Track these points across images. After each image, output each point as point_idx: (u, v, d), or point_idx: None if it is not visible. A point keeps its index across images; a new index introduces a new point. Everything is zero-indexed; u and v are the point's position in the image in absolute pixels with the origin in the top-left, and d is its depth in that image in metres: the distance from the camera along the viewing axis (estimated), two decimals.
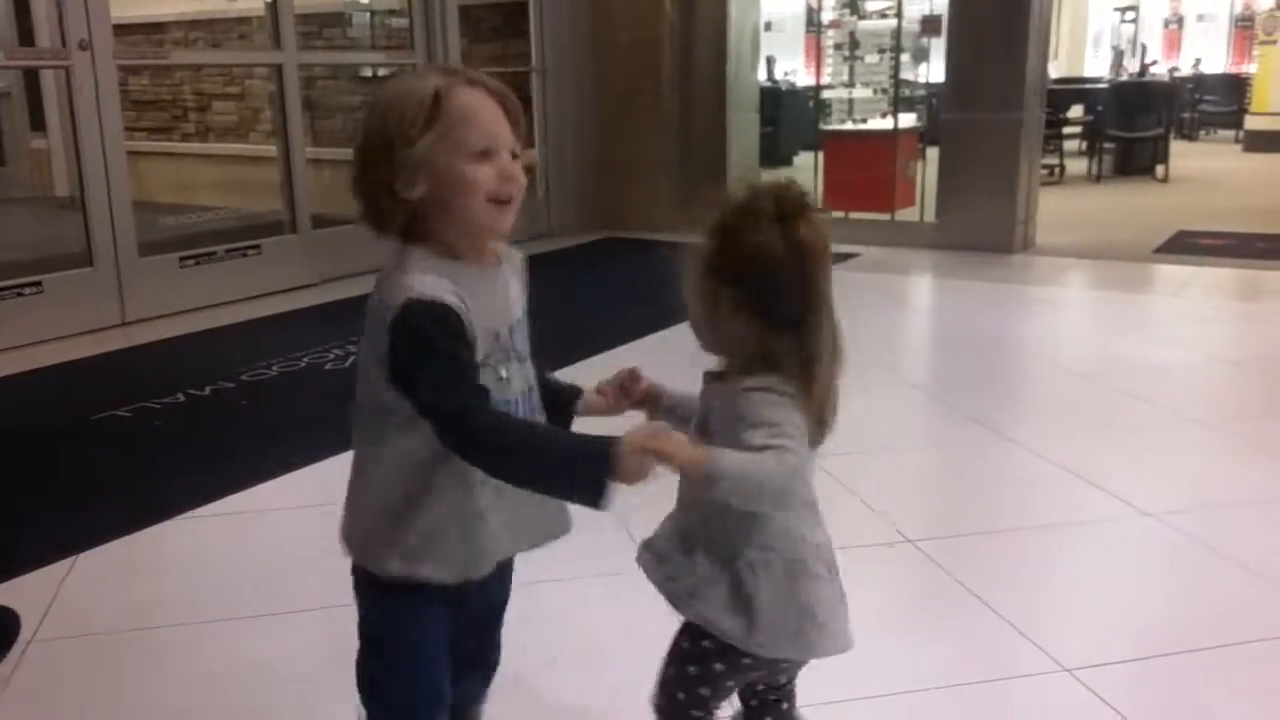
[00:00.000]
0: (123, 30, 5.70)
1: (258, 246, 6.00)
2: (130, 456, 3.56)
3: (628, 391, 1.59)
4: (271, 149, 6.57)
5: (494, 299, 1.46)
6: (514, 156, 1.43)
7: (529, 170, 1.49)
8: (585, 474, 1.30)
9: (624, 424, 1.42)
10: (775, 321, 1.39)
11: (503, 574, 1.60)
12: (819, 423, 1.44)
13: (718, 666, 1.51)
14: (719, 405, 1.45)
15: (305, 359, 4.57)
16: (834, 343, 1.42)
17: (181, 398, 4.07)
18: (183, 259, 5.64)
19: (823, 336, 1.41)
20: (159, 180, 9.15)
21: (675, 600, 1.49)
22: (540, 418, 1.53)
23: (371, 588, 1.51)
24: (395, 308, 1.35)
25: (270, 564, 2.76)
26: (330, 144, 8.32)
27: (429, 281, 1.36)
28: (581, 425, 1.57)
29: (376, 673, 1.53)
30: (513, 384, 1.46)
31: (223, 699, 2.17)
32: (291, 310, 5.60)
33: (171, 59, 6.05)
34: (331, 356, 4.60)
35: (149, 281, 5.41)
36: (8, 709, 2.13)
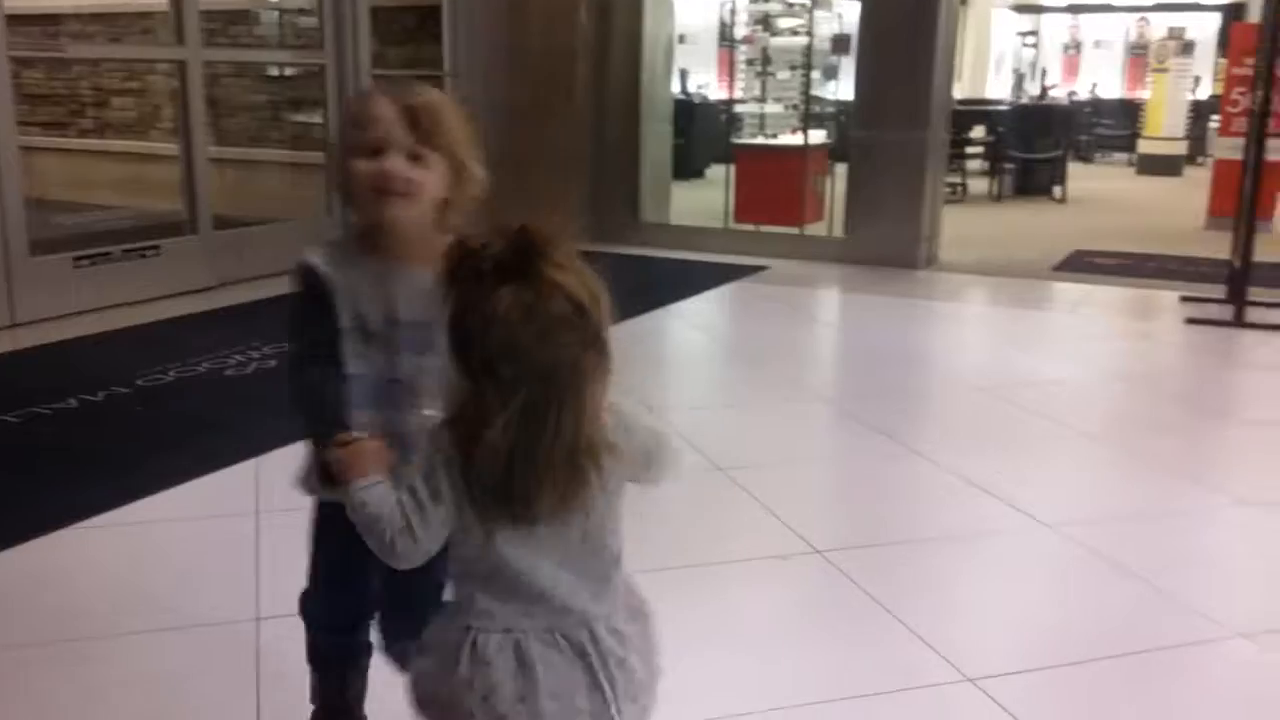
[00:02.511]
0: (16, 21, 5.49)
1: (156, 247, 5.82)
2: (18, 465, 3.41)
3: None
4: (172, 147, 6.40)
5: (378, 289, 1.62)
6: (415, 159, 1.58)
7: (466, 184, 1.64)
8: (313, 449, 1.64)
9: None
10: (457, 376, 1.29)
11: None
12: (502, 503, 1.29)
13: None
14: None
15: (204, 364, 4.45)
16: (523, 426, 1.25)
17: (74, 403, 3.93)
18: (77, 259, 5.44)
19: (493, 412, 1.25)
20: (53, 177, 8.84)
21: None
22: (397, 412, 1.64)
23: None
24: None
25: (169, 576, 2.67)
26: (233, 143, 8.14)
27: (320, 250, 1.66)
28: None
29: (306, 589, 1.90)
30: (372, 366, 1.64)
31: (122, 714, 2.09)
32: (191, 313, 5.44)
33: (68, 52, 5.84)
34: (232, 362, 4.48)
35: (40, 282, 5.20)
36: None
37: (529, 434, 1.26)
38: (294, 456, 3.68)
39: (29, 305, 5.14)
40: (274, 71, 8.26)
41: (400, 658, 1.82)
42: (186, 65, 5.92)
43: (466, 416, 1.28)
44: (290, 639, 2.34)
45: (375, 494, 1.37)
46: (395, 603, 1.83)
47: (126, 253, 5.68)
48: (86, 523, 2.94)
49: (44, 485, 3.23)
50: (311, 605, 1.92)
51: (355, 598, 1.85)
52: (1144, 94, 16.09)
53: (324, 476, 1.55)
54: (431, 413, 1.53)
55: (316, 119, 7.05)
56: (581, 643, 1.34)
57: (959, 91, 12.18)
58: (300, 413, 1.65)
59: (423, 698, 1.40)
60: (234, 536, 2.86)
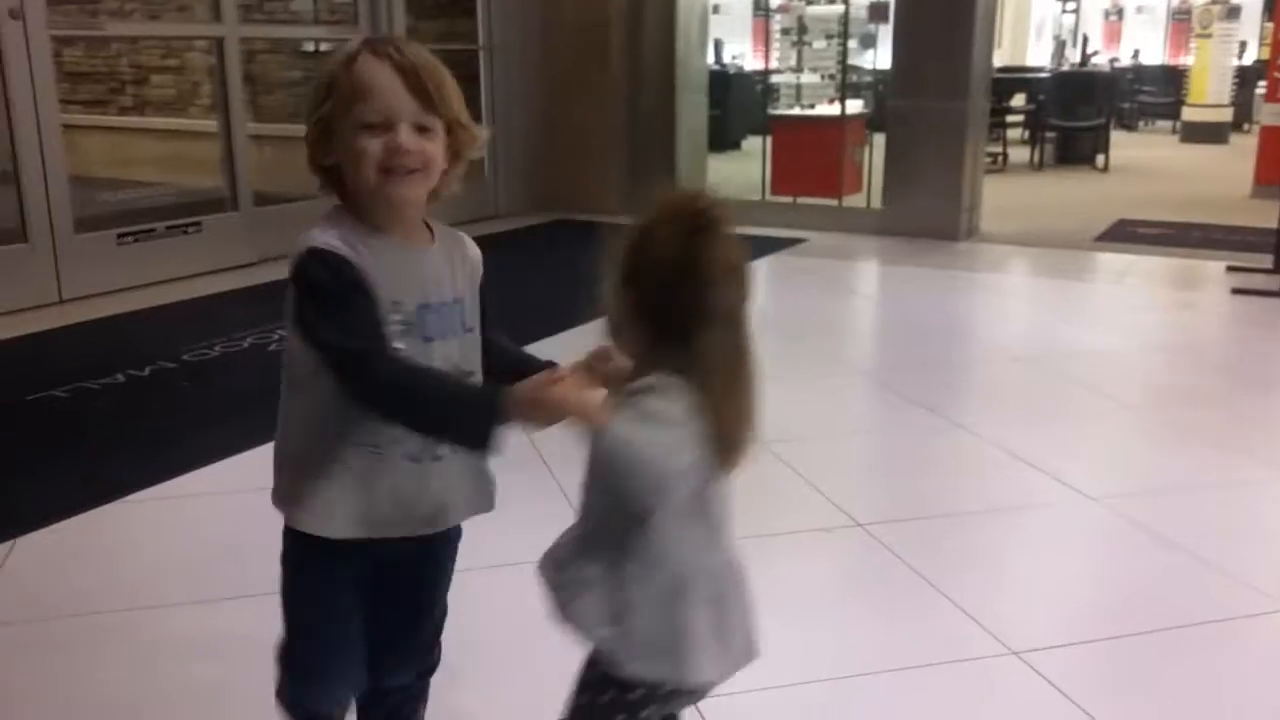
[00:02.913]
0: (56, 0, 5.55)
1: (198, 224, 5.89)
2: (69, 438, 3.47)
3: (594, 370, 1.49)
4: (211, 124, 6.44)
5: (404, 272, 1.45)
6: (422, 130, 1.41)
7: (467, 147, 1.48)
8: (471, 415, 1.34)
9: None
10: (662, 331, 1.34)
11: (429, 554, 1.60)
12: (720, 446, 1.36)
13: (630, 697, 1.42)
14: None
15: (248, 339, 4.49)
16: (733, 364, 1.37)
17: (121, 378, 3.99)
18: (121, 236, 5.51)
19: (713, 354, 1.34)
20: (95, 154, 8.93)
21: (559, 607, 1.40)
22: None
23: (287, 540, 1.60)
24: (295, 257, 1.40)
25: (214, 549, 2.71)
26: (271, 119, 8.17)
27: (329, 234, 1.41)
28: None
29: (286, 634, 1.62)
30: (410, 354, 1.44)
31: (170, 683, 2.13)
32: (233, 289, 5.50)
33: (107, 30, 5.88)
34: (275, 337, 4.52)
35: (86, 258, 5.28)
36: None
37: (743, 380, 1.41)
38: None
39: (75, 282, 5.22)
40: (309, 47, 8.27)
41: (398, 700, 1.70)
42: (224, 42, 5.96)
43: (663, 363, 1.34)
44: None
45: (625, 427, 1.30)
46: (389, 645, 1.65)
47: (169, 229, 5.74)
48: (135, 496, 2.99)
49: (93, 459, 3.28)
50: (306, 695, 1.66)
51: (357, 663, 1.63)
52: (1188, 60, 15.83)
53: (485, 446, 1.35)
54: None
55: None
56: (740, 574, 1.50)
57: (999, 59, 12.00)
58: (421, 407, 1.39)
59: (650, 649, 1.39)
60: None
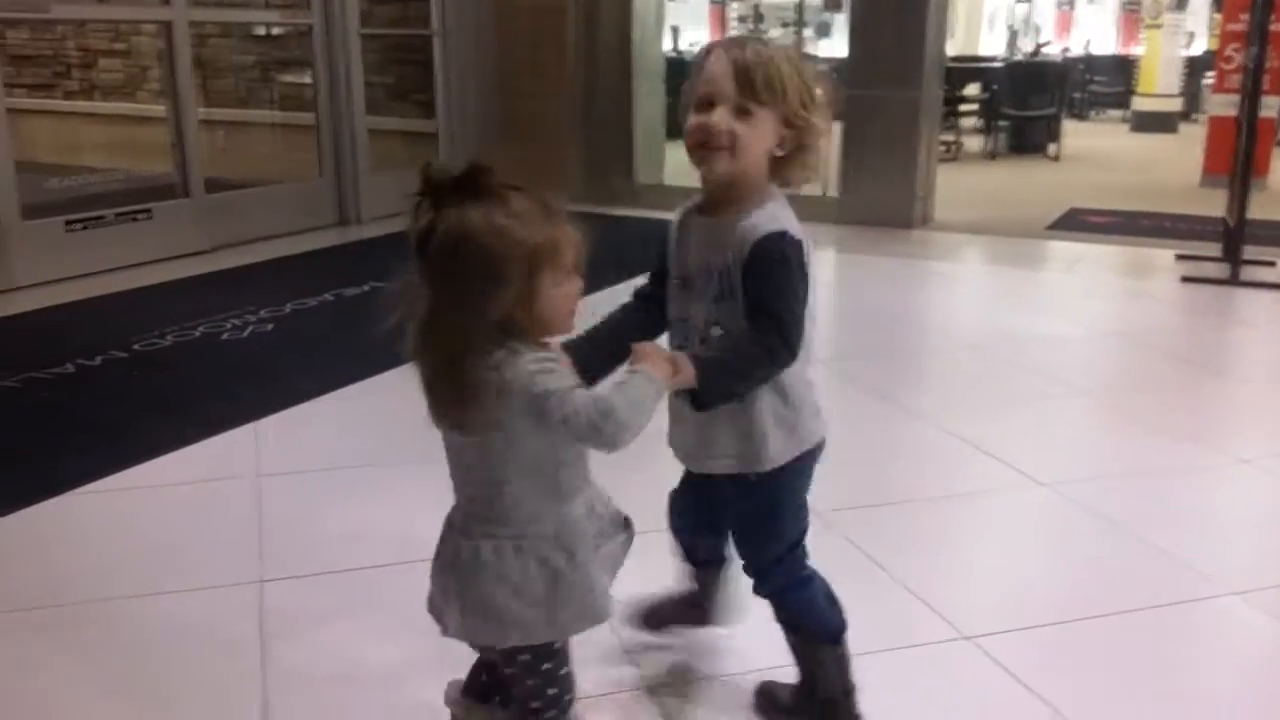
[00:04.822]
0: None
1: (148, 210, 5.79)
2: (19, 429, 3.42)
3: None
4: (161, 109, 6.34)
5: (688, 239, 1.75)
6: (742, 114, 1.61)
7: (808, 136, 1.68)
8: None
9: None
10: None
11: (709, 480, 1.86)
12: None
13: (546, 666, 1.58)
14: None
15: (200, 328, 4.44)
16: (420, 331, 1.45)
17: (71, 368, 3.92)
18: (69, 223, 5.41)
19: (411, 313, 1.45)
20: (41, 140, 8.77)
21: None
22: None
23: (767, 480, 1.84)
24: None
25: (170, 540, 2.68)
26: (223, 105, 8.05)
27: (680, 207, 1.82)
28: None
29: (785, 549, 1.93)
30: (692, 314, 1.74)
31: (118, 676, 2.10)
32: (185, 277, 5.42)
33: (54, 13, 5.78)
34: (229, 326, 4.47)
35: (33, 246, 5.18)
36: None
37: (422, 341, 1.44)
38: (292, 421, 3.71)
39: (23, 269, 5.13)
40: (261, 31, 8.16)
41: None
42: (173, 26, 5.86)
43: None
44: (292, 600, 2.36)
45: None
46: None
47: (119, 216, 5.65)
48: (86, 487, 2.95)
49: (43, 450, 3.23)
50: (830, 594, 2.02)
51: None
52: (1138, 50, 16.01)
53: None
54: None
55: (305, 79, 6.99)
56: (454, 544, 1.54)
57: (952, 48, 12.09)
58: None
59: None
60: (234, 500, 2.87)
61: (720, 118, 1.61)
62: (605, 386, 1.49)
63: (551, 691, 1.59)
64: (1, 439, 3.33)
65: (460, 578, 1.52)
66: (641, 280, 1.88)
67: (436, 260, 1.39)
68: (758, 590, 1.91)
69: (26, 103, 9.19)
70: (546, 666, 1.57)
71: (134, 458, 3.12)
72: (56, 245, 5.31)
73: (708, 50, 1.67)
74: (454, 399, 1.43)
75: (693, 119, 1.64)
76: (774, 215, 1.67)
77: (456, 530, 1.55)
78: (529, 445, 1.47)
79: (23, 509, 2.81)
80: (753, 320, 1.65)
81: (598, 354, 1.69)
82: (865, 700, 1.94)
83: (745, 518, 1.88)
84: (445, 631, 1.57)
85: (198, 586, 2.42)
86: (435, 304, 1.41)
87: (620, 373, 1.52)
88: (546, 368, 1.43)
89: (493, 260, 1.38)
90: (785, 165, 1.69)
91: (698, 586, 2.09)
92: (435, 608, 1.60)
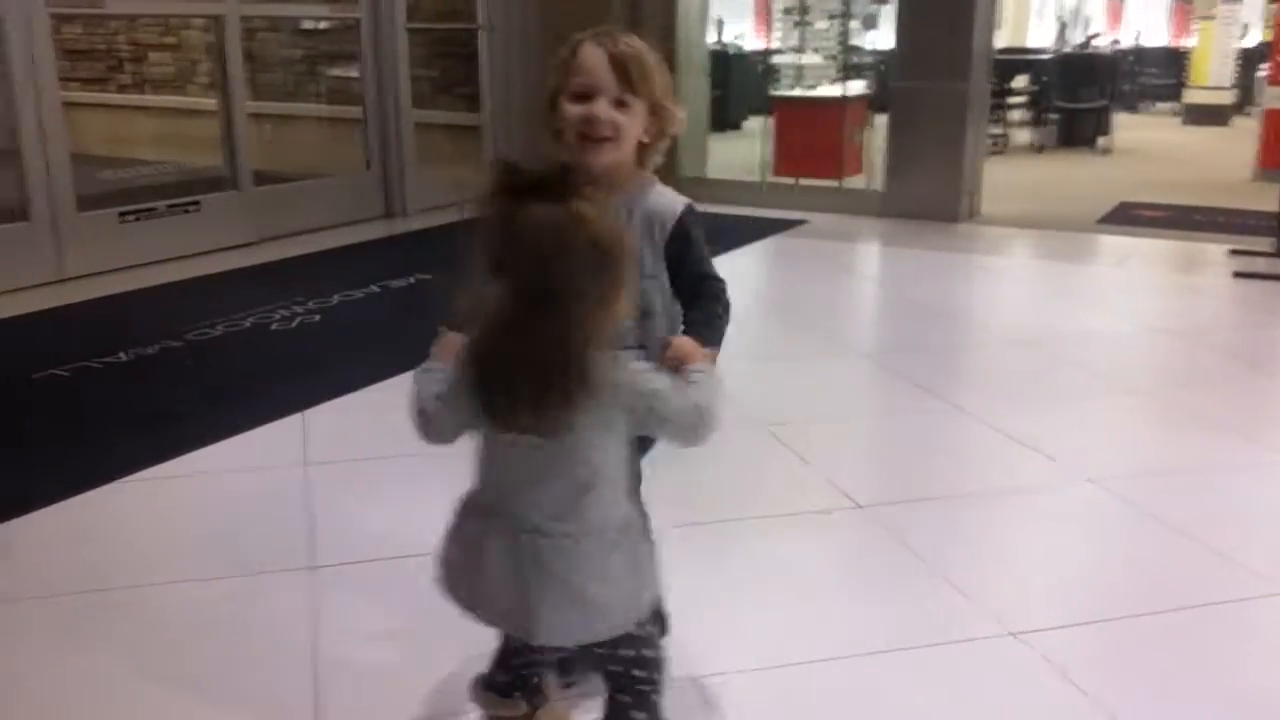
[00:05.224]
0: None
1: (198, 203, 5.88)
2: (74, 417, 3.48)
3: None
4: (211, 102, 6.42)
5: None
6: (621, 105, 1.68)
7: (669, 125, 1.76)
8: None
9: None
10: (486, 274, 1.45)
11: None
12: (483, 403, 1.47)
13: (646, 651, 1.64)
14: None
15: (250, 319, 4.50)
16: (515, 335, 1.41)
17: (124, 357, 3.99)
18: (122, 214, 5.51)
19: (496, 316, 1.42)
20: (95, 133, 8.91)
21: None
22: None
23: None
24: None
25: (221, 527, 2.72)
26: (271, 98, 8.14)
27: None
28: None
29: None
30: None
31: (172, 660, 2.14)
32: (234, 269, 5.50)
33: (108, 8, 5.87)
34: (277, 317, 4.53)
35: (88, 237, 5.28)
36: None
37: (515, 343, 1.40)
38: (340, 410, 3.75)
39: (77, 260, 5.22)
40: (309, 25, 8.24)
41: None
42: (224, 20, 5.94)
43: (478, 318, 1.44)
44: (340, 587, 2.40)
45: (427, 377, 1.55)
46: None
47: (170, 208, 5.74)
48: (138, 474, 3.00)
49: (96, 438, 3.29)
50: None
51: None
52: (1190, 42, 15.74)
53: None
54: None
55: (353, 73, 7.05)
56: (524, 549, 1.49)
57: (1001, 40, 11.94)
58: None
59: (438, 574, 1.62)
60: (285, 488, 2.91)
61: (603, 109, 1.68)
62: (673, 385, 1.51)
63: (655, 672, 1.64)
64: (56, 427, 3.39)
65: (547, 579, 1.49)
66: None
67: (553, 258, 1.36)
68: None
69: (80, 96, 9.35)
70: (647, 651, 1.62)
71: (185, 446, 3.17)
72: (109, 236, 5.40)
73: (577, 44, 1.73)
74: (562, 399, 1.40)
75: (576, 110, 1.69)
76: (665, 193, 1.80)
77: (527, 533, 1.50)
78: (618, 444, 1.50)
79: (77, 495, 2.86)
80: (700, 284, 1.80)
81: None
82: (909, 694, 1.93)
83: None
84: (532, 639, 1.54)
85: (247, 573, 2.46)
86: (544, 302, 1.37)
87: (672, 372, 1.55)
88: (646, 368, 1.49)
89: (617, 259, 1.40)
90: (648, 152, 1.79)
91: None
92: (509, 619, 1.56)
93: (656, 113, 1.73)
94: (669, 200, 1.80)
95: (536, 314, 1.38)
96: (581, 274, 1.37)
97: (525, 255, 1.37)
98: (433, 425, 1.54)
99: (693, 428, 1.49)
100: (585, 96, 1.69)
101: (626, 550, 1.53)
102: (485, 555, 1.52)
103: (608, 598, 1.52)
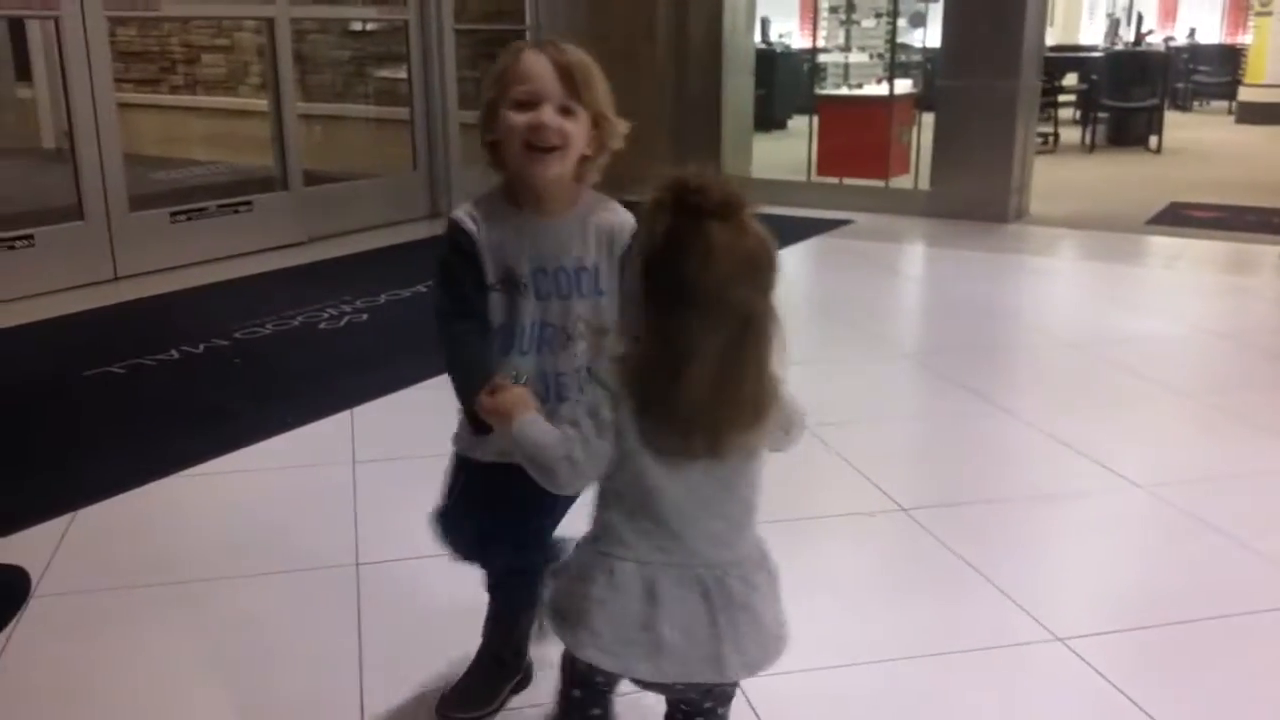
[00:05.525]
0: None
1: (249, 203, 5.96)
2: (125, 413, 3.55)
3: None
4: (261, 103, 6.51)
5: (522, 241, 1.69)
6: (566, 113, 1.63)
7: (611, 137, 1.71)
8: (462, 395, 1.65)
9: None
10: (649, 311, 1.34)
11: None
12: (681, 433, 1.35)
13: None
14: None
15: (299, 318, 4.55)
16: (723, 363, 1.32)
17: (176, 354, 4.06)
18: (174, 214, 5.60)
19: (700, 345, 1.30)
20: (148, 133, 9.06)
21: None
22: (552, 354, 1.73)
23: None
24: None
25: (270, 523, 2.76)
26: (321, 99, 8.24)
27: (466, 206, 1.71)
28: None
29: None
30: (521, 315, 1.70)
31: (227, 655, 2.18)
32: (283, 268, 5.57)
33: (162, 11, 5.97)
34: (325, 316, 4.59)
35: (140, 236, 5.37)
36: (9, 664, 2.14)
37: (728, 372, 1.32)
38: (387, 408, 3.78)
39: (130, 259, 5.31)
40: (358, 27, 8.33)
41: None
42: (275, 22, 6.01)
43: (653, 352, 1.34)
44: (389, 581, 2.42)
45: (535, 428, 1.46)
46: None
47: (221, 208, 5.82)
48: (190, 470, 3.05)
49: (149, 434, 3.35)
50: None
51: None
52: (1245, 39, 15.48)
53: (477, 426, 1.61)
54: (582, 351, 1.71)
55: (401, 74, 7.11)
56: (707, 584, 1.41)
57: (1051, 38, 11.81)
58: (449, 369, 1.69)
59: (557, 611, 1.48)
60: (332, 485, 2.95)
61: (550, 116, 1.62)
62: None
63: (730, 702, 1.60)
64: (110, 424, 3.46)
65: (734, 614, 1.41)
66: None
67: (754, 283, 1.31)
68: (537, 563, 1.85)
69: (134, 97, 9.50)
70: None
71: (236, 442, 3.22)
72: (161, 235, 5.49)
73: (518, 51, 1.67)
74: (752, 419, 1.36)
75: (520, 118, 1.62)
76: (616, 207, 1.76)
77: (697, 572, 1.41)
78: (761, 464, 1.46)
79: (132, 490, 2.92)
80: None
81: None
82: (955, 700, 1.92)
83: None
84: (723, 677, 1.45)
85: (296, 568, 2.49)
86: (749, 328, 1.32)
87: None
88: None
89: (775, 279, 1.35)
90: (588, 166, 1.72)
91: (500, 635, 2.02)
92: (687, 664, 1.42)
93: (599, 124, 1.68)
94: (623, 215, 1.74)
95: (742, 340, 1.32)
96: (770, 295, 1.34)
97: (728, 282, 1.29)
98: (582, 469, 1.40)
99: (795, 442, 1.49)
100: (529, 105, 1.62)
101: (773, 572, 1.49)
102: (659, 599, 1.40)
103: (781, 622, 1.48)
